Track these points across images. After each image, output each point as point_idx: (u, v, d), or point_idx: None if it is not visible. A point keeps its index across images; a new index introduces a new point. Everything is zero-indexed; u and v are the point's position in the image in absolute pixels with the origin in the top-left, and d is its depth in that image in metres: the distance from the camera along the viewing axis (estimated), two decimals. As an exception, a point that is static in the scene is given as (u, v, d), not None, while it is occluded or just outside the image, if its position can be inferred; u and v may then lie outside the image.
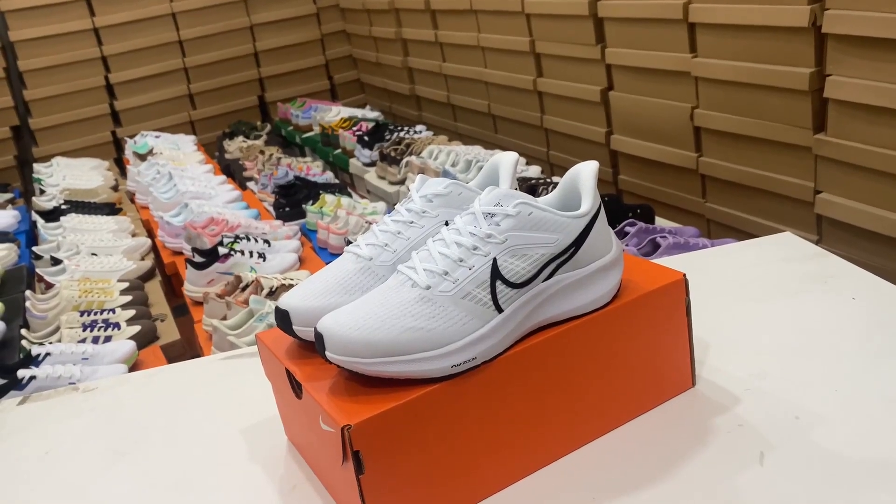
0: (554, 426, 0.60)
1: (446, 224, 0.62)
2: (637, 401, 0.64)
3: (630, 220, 1.53)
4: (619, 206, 1.68)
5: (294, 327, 0.59)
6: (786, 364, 0.69)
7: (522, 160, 2.14)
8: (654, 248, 1.45)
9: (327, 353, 0.54)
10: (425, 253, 0.57)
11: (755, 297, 0.82)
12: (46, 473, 0.70)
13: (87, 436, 0.75)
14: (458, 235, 0.56)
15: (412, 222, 0.63)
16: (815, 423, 0.61)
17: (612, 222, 1.60)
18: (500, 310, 0.56)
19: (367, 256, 0.62)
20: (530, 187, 1.78)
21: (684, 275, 0.65)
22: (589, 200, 0.60)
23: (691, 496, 0.56)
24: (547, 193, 1.91)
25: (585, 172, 0.62)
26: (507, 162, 0.69)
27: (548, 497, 0.57)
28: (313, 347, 0.61)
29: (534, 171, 2.13)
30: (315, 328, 0.55)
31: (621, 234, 1.52)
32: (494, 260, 0.55)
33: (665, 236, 1.43)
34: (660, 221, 1.72)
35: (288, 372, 0.60)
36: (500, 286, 0.55)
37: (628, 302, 0.62)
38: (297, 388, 0.59)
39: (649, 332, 0.64)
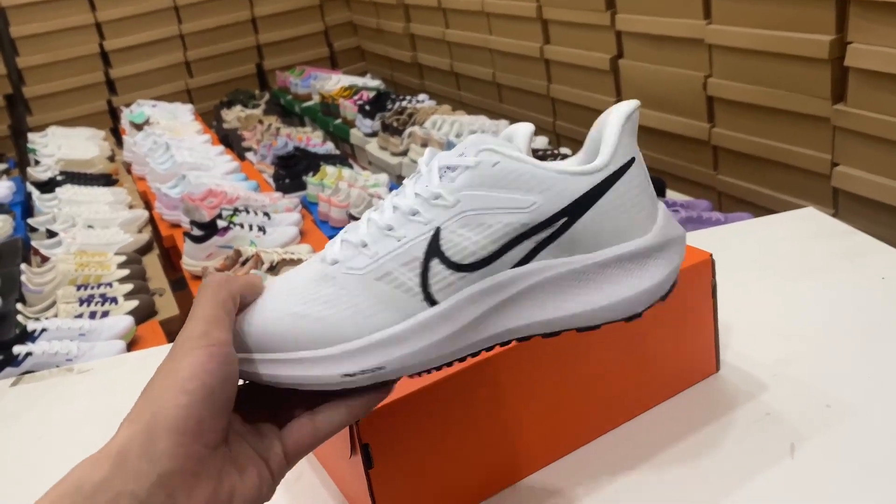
0: (572, 415, 0.57)
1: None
2: (658, 388, 0.61)
3: (641, 193, 1.49)
4: (628, 179, 1.64)
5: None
6: (815, 349, 0.66)
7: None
8: (665, 222, 1.41)
9: None
10: (352, 223, 0.42)
11: (779, 276, 0.78)
12: (40, 460, 0.67)
13: (83, 420, 0.72)
14: (400, 197, 0.41)
15: (422, 198, 0.59)
16: (848, 412, 0.58)
17: (622, 195, 1.55)
18: (431, 301, 0.38)
19: (373, 235, 0.58)
20: (537, 159, 1.73)
21: (711, 255, 0.61)
22: (609, 152, 0.41)
23: (717, 490, 0.53)
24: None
25: (614, 115, 0.42)
26: (521, 133, 0.64)
27: (567, 489, 0.54)
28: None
29: (540, 142, 2.08)
30: None
31: (631, 208, 1.48)
32: (437, 230, 0.38)
33: (677, 210, 1.39)
34: (670, 194, 1.68)
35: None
36: (435, 266, 0.38)
37: (652, 284, 0.58)
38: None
39: (672, 316, 0.60)
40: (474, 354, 0.40)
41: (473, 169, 0.39)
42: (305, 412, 0.39)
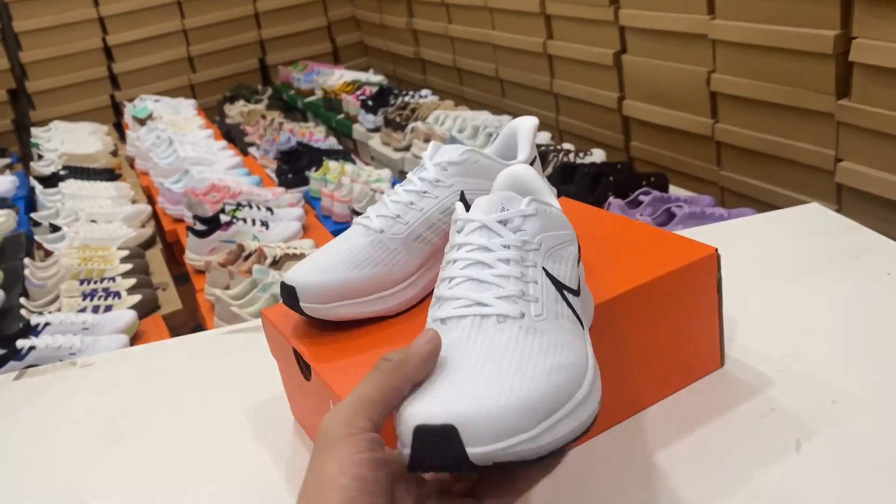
0: (577, 410, 0.57)
1: (460, 204, 0.53)
2: (662, 383, 0.61)
3: (644, 188, 1.49)
4: (631, 175, 1.64)
5: (301, 304, 0.56)
6: (819, 344, 0.66)
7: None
8: (668, 217, 1.41)
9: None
10: (471, 282, 0.43)
11: (784, 271, 0.78)
12: (42, 453, 0.67)
13: (85, 414, 0.72)
14: (487, 253, 0.44)
15: (426, 192, 0.59)
16: (854, 407, 0.58)
17: (626, 191, 1.55)
18: (582, 324, 0.46)
19: (377, 229, 0.58)
20: (539, 155, 1.73)
21: (716, 250, 0.61)
22: (556, 200, 0.51)
23: (722, 486, 0.52)
24: (557, 162, 1.86)
25: (526, 176, 0.51)
26: (525, 127, 0.65)
27: (571, 483, 0.54)
28: (322, 325, 0.57)
29: (543, 137, 2.08)
30: None
31: (635, 203, 1.47)
32: (545, 269, 0.45)
33: (680, 205, 1.39)
34: (673, 190, 1.68)
35: (295, 352, 0.56)
36: (569, 296, 0.45)
37: (657, 278, 0.58)
38: (305, 369, 0.55)
39: (678, 310, 0.60)
40: None
41: (536, 216, 0.46)
42: (503, 478, 0.39)
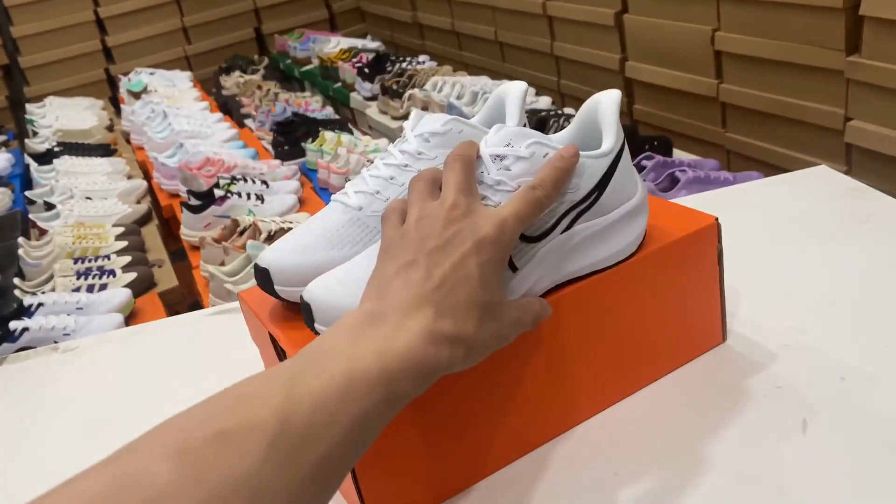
0: (571, 390, 0.54)
1: None
2: (661, 359, 0.58)
3: (647, 153, 1.44)
4: (634, 138, 1.59)
5: (275, 287, 0.53)
6: (827, 317, 0.62)
7: (531, 90, 2.03)
8: (672, 182, 1.37)
9: (317, 326, 0.47)
10: None
11: (790, 239, 0.75)
12: (22, 442, 0.66)
13: (66, 401, 0.70)
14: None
15: (407, 165, 0.55)
16: (864, 384, 0.55)
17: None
18: (514, 268, 0.48)
19: (356, 206, 0.54)
20: (540, 120, 1.68)
21: (716, 219, 0.57)
22: (612, 137, 0.51)
23: (725, 468, 0.50)
24: (559, 127, 1.82)
25: (606, 103, 0.52)
26: (514, 93, 0.61)
27: (564, 469, 0.52)
28: (299, 308, 0.54)
29: (544, 102, 2.02)
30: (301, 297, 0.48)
31: (638, 169, 1.43)
32: None
33: (684, 170, 1.35)
34: (677, 154, 1.63)
35: (272, 337, 0.53)
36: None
37: (654, 251, 0.55)
38: (282, 355, 0.53)
39: (677, 283, 0.57)
40: None
41: (528, 159, 0.47)
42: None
